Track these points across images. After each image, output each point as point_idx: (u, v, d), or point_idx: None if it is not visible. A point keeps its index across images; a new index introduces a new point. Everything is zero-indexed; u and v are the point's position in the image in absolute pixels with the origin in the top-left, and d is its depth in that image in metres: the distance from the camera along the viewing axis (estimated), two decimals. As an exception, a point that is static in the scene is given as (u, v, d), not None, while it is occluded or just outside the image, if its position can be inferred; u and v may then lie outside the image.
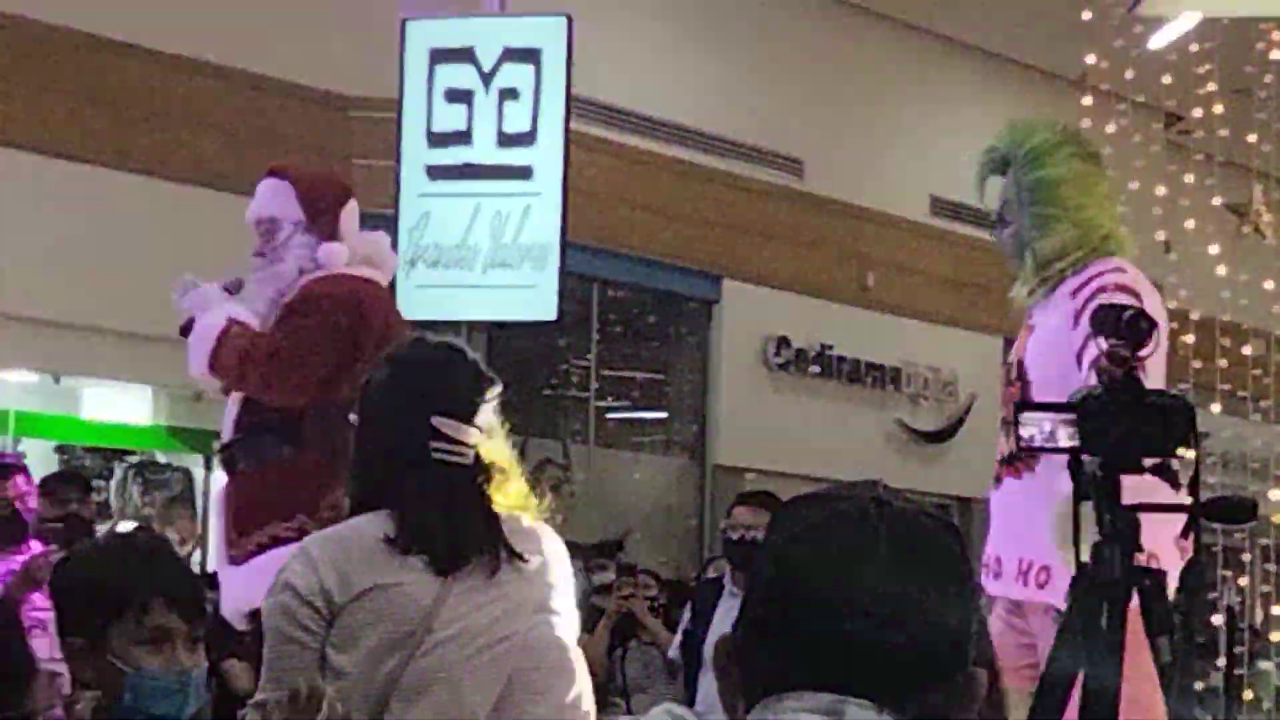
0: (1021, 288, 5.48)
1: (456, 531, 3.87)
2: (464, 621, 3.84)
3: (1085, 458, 3.99)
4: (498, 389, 4.05)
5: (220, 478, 6.44)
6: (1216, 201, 12.07)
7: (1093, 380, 5.11)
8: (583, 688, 4.01)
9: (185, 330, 6.31)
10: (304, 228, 6.41)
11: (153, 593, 3.47)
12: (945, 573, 2.10)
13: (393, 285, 7.40)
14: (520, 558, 3.92)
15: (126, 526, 12.03)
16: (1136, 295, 5.17)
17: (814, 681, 2.03)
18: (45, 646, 7.60)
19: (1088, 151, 5.56)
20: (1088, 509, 3.97)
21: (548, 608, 3.97)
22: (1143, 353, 4.60)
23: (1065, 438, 3.99)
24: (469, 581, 3.86)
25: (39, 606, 7.64)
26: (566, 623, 4.03)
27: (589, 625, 10.38)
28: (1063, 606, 4.20)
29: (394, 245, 10.25)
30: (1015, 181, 5.45)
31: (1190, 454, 4.08)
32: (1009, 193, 5.45)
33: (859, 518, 2.10)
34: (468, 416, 3.97)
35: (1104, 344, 4.24)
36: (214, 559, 6.21)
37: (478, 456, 3.97)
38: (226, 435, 6.31)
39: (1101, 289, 5.20)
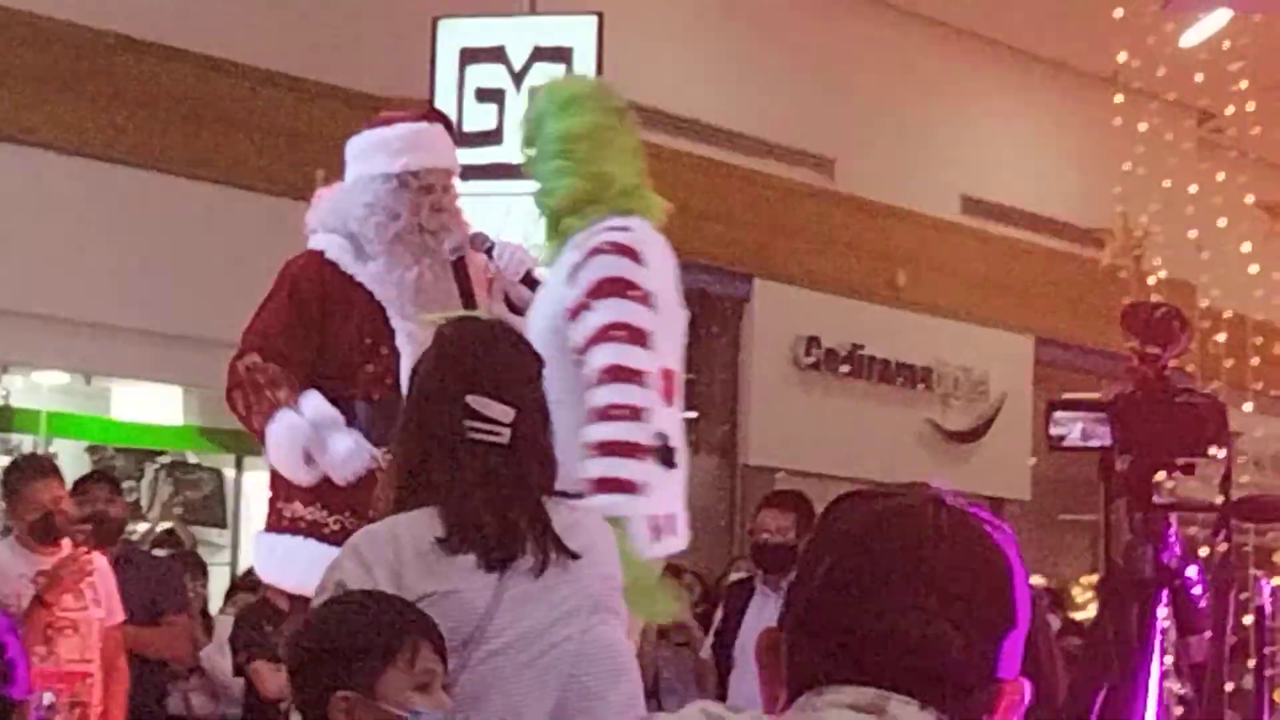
0: (545, 246, 5.34)
1: (504, 522, 3.78)
2: (517, 628, 3.76)
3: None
4: (543, 367, 3.98)
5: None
6: (1249, 199, 12.03)
7: (583, 335, 4.88)
8: (638, 690, 3.95)
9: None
10: None
11: (419, 636, 3.49)
12: (999, 576, 2.09)
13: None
14: (569, 553, 3.84)
15: (159, 527, 12.09)
16: (635, 255, 5.03)
17: (858, 676, 2.02)
18: (76, 648, 7.66)
19: (611, 106, 5.45)
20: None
21: (604, 606, 3.89)
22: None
23: (1097, 437, 3.99)
24: (520, 584, 3.78)
25: (68, 608, 7.64)
26: (621, 621, 3.95)
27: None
28: None
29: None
30: (541, 137, 5.34)
31: (1222, 453, 4.07)
32: (538, 148, 5.36)
33: (916, 516, 2.10)
34: (505, 394, 3.89)
35: (1135, 344, 4.23)
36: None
37: (517, 436, 3.89)
38: None
39: (598, 249, 5.04)
